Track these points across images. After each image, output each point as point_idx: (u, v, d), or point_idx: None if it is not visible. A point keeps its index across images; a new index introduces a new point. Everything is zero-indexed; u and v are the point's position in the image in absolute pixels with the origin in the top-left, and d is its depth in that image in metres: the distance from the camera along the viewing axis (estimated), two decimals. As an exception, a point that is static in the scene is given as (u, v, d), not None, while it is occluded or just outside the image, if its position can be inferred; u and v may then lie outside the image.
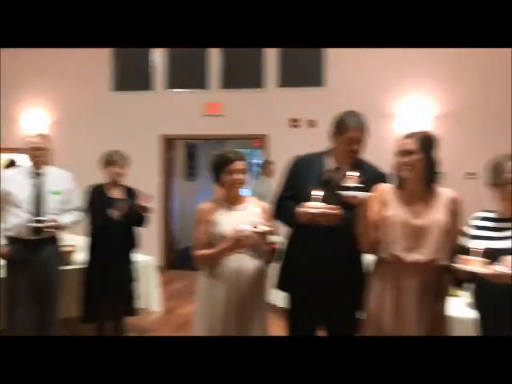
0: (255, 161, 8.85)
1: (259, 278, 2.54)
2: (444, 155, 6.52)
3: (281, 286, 2.63)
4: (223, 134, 7.33)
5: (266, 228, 2.39)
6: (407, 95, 6.60)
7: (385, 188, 2.33)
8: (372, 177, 2.40)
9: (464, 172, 6.33)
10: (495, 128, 6.31)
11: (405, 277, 2.22)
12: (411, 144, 2.23)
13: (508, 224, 2.01)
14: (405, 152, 2.23)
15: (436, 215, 2.22)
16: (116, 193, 3.61)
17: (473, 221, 2.14)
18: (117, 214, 3.42)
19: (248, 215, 2.53)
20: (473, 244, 2.05)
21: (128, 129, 7.19)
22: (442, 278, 2.28)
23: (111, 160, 3.58)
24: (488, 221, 2.11)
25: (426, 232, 2.21)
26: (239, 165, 2.53)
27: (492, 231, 2.07)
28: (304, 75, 6.97)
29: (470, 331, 2.51)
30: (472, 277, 2.02)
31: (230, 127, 7.10)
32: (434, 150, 2.27)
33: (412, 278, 2.21)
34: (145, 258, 4.30)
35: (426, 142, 2.25)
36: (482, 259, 1.88)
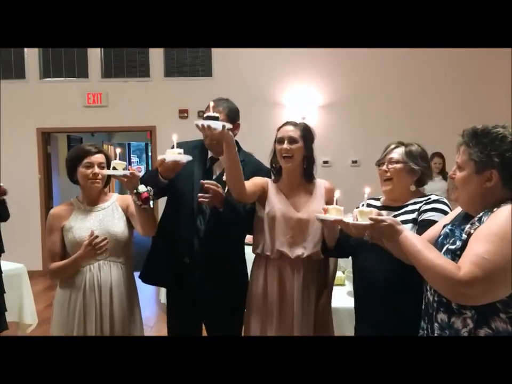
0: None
1: (124, 287, 2.27)
2: (328, 144, 6.81)
3: (145, 278, 2.41)
4: (107, 127, 6.92)
5: (128, 172, 2.02)
6: (294, 85, 6.69)
7: (266, 180, 2.27)
8: (252, 171, 2.30)
9: (349, 160, 6.58)
10: (376, 117, 6.64)
11: (288, 271, 2.17)
12: (293, 132, 2.18)
13: (388, 213, 1.95)
14: (286, 139, 2.17)
15: (316, 207, 2.18)
16: None
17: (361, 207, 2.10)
18: None
19: (109, 214, 2.27)
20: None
21: (3, 122, 6.49)
22: (325, 270, 2.26)
23: None
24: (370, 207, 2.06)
25: (308, 225, 2.17)
26: (95, 158, 2.23)
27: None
28: (191, 65, 6.78)
29: (350, 320, 2.55)
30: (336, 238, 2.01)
31: (115, 119, 6.72)
32: (312, 143, 2.25)
33: (295, 272, 2.17)
34: (15, 266, 3.87)
35: (307, 133, 2.22)
36: (339, 207, 1.75)
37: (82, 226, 2.22)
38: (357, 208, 1.62)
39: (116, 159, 2.10)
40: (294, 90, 6.70)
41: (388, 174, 1.96)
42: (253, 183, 2.17)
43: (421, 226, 1.83)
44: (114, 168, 2.04)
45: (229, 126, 1.92)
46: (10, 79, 6.63)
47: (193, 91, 6.49)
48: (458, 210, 1.62)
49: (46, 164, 6.88)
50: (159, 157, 2.07)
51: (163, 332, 4.32)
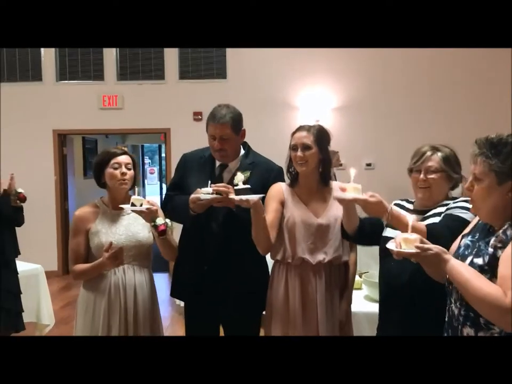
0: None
1: (147, 290, 2.30)
2: (343, 146, 6.79)
3: (174, 293, 2.50)
4: (123, 129, 6.98)
5: (148, 206, 2.10)
6: (308, 88, 6.68)
7: (281, 187, 2.25)
8: (262, 171, 2.31)
9: (363, 163, 6.56)
10: (390, 120, 6.61)
11: (310, 277, 2.16)
12: (306, 138, 2.16)
13: (419, 216, 1.95)
14: (299, 146, 2.16)
15: (335, 212, 2.17)
16: None
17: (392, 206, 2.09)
18: None
19: (134, 220, 2.29)
20: (386, 232, 1.99)
21: (19, 124, 6.58)
22: (346, 273, 2.25)
23: None
24: (403, 209, 2.04)
25: (328, 230, 2.17)
26: (122, 158, 2.26)
27: None
28: (206, 67, 6.81)
29: (368, 324, 2.56)
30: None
31: (130, 121, 6.77)
32: (328, 145, 2.23)
33: (317, 278, 2.16)
34: (32, 267, 3.92)
35: (321, 136, 2.19)
36: (357, 185, 1.74)
37: (109, 231, 2.24)
38: (401, 233, 1.57)
39: (134, 194, 2.22)
40: (308, 93, 6.68)
41: (426, 183, 1.92)
42: (273, 209, 2.16)
43: (445, 217, 1.82)
44: (133, 204, 2.11)
45: (259, 196, 2.02)
46: (27, 81, 6.72)
47: (208, 93, 6.52)
48: (476, 220, 1.60)
49: (61, 165, 6.95)
50: (193, 196, 2.14)
51: (178, 333, 4.35)
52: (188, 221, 2.31)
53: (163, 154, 8.65)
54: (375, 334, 2.46)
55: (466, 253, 1.50)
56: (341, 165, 6.27)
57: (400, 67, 6.57)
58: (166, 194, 2.51)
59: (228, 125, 2.23)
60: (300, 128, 2.22)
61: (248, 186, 2.03)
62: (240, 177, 2.21)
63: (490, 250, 1.41)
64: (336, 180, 2.40)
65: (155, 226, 2.14)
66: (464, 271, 1.40)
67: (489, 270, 1.38)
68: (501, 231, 1.42)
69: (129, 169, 2.27)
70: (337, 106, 6.73)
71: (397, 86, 6.66)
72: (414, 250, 1.45)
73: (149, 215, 2.13)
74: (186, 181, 2.37)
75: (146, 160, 14.48)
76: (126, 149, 2.41)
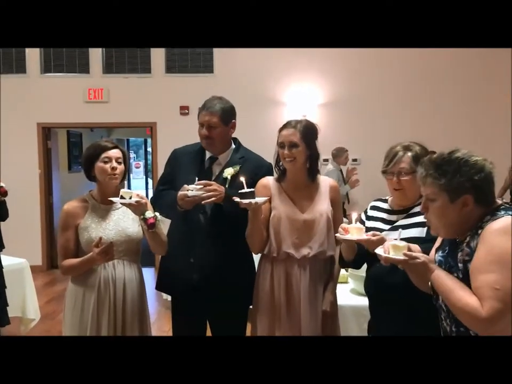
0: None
1: (136, 285, 2.30)
2: (329, 142, 6.82)
3: (159, 287, 2.51)
4: (108, 122, 6.93)
5: (137, 199, 2.10)
6: (295, 83, 6.69)
7: (268, 182, 2.27)
8: (252, 167, 2.34)
9: (349, 159, 6.60)
10: (376, 115, 6.66)
11: (295, 270, 2.18)
12: (293, 136, 2.17)
13: (397, 216, 1.99)
14: (286, 144, 2.17)
15: (320, 207, 2.20)
16: None
17: (368, 210, 2.12)
18: None
19: (123, 215, 2.28)
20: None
21: (2, 117, 6.48)
22: (331, 267, 2.28)
23: None
24: (380, 211, 2.08)
25: (313, 225, 2.18)
26: (112, 153, 2.24)
27: (384, 223, 2.02)
28: (193, 61, 6.78)
29: (354, 317, 2.59)
30: (355, 255, 2.02)
31: (116, 114, 6.72)
32: (315, 140, 2.24)
33: (301, 271, 2.18)
34: (17, 261, 3.89)
35: (308, 133, 2.20)
36: (360, 226, 1.84)
37: (99, 226, 2.22)
38: (391, 240, 1.62)
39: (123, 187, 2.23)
40: (295, 88, 6.70)
41: (400, 185, 1.94)
42: (263, 208, 2.18)
43: None
44: (122, 197, 2.11)
45: (266, 198, 2.11)
46: (11, 74, 6.62)
47: (195, 88, 6.49)
48: None
49: (46, 159, 6.88)
50: (181, 193, 2.17)
51: (165, 328, 4.36)
52: (177, 217, 2.34)
53: (149, 149, 8.57)
54: (361, 328, 2.50)
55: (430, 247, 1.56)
56: (355, 160, 6.31)
57: (388, 63, 6.61)
58: (156, 189, 2.52)
59: (216, 114, 2.30)
60: (287, 125, 2.22)
61: (253, 189, 2.06)
62: (229, 171, 2.24)
63: (460, 265, 1.46)
64: (349, 201, 2.40)
65: (144, 220, 2.14)
66: (447, 280, 1.44)
67: (467, 284, 1.42)
68: (464, 244, 1.46)
69: (119, 163, 2.25)
70: (324, 102, 6.76)
71: (385, 82, 6.71)
72: (402, 257, 1.49)
73: (138, 208, 2.12)
74: (176, 176, 2.39)
75: (132, 155, 14.38)
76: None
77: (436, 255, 1.60)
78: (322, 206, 2.19)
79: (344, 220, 2.19)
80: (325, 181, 2.30)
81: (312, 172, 2.25)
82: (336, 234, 1.91)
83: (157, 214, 2.18)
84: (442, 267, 1.52)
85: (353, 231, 1.81)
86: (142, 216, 2.14)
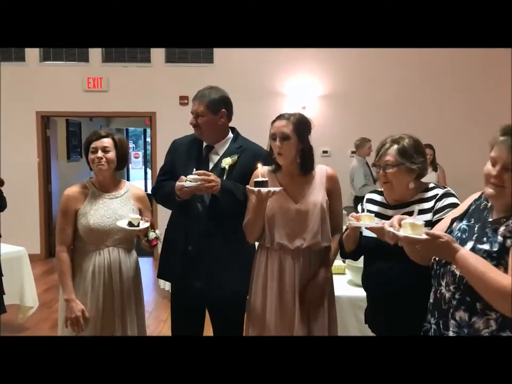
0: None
1: (133, 273, 2.35)
2: (328, 134, 6.82)
3: (160, 275, 2.53)
4: (107, 112, 6.90)
5: (146, 225, 2.20)
6: (295, 75, 6.67)
7: (263, 171, 2.21)
8: (250, 156, 2.33)
9: (348, 151, 6.60)
10: (376, 107, 6.64)
11: (289, 261, 2.18)
12: (285, 127, 2.13)
13: (394, 211, 1.96)
14: (278, 136, 2.13)
15: (315, 198, 2.18)
16: None
17: (365, 203, 2.11)
18: None
19: (122, 204, 2.33)
20: (365, 232, 2.00)
21: (1, 105, 6.44)
22: (325, 260, 2.26)
23: None
24: (376, 205, 2.06)
25: (306, 216, 2.16)
26: (99, 143, 2.30)
27: (380, 217, 1.98)
28: (192, 51, 6.74)
29: (351, 308, 2.60)
30: (357, 247, 2.02)
31: (115, 104, 6.69)
32: (308, 134, 2.19)
33: (295, 262, 2.17)
34: (15, 249, 3.89)
35: (301, 126, 2.15)
36: (371, 214, 1.83)
37: (97, 214, 2.27)
38: (406, 220, 1.52)
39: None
40: (295, 80, 6.67)
41: (386, 178, 1.92)
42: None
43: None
44: (131, 224, 2.18)
45: (280, 188, 2.09)
46: (10, 62, 6.58)
47: (194, 77, 6.45)
48: (467, 205, 1.62)
49: (44, 148, 6.86)
50: (178, 184, 2.20)
51: (162, 317, 4.38)
52: (176, 206, 2.37)
53: (148, 139, 8.55)
54: (357, 318, 2.51)
55: (464, 237, 1.51)
56: (354, 152, 6.24)
57: (388, 56, 6.58)
58: (156, 180, 2.55)
59: (203, 103, 2.33)
60: (280, 117, 2.18)
61: (266, 179, 2.05)
62: (227, 161, 2.25)
63: (500, 238, 1.42)
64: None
65: (148, 241, 2.24)
66: (477, 262, 1.39)
67: (497, 257, 1.39)
68: (510, 221, 1.42)
69: (107, 152, 2.30)
70: (324, 94, 6.74)
71: (384, 74, 6.69)
72: (424, 236, 1.40)
73: (143, 232, 2.22)
74: (176, 166, 2.42)
75: (131, 145, 14.33)
76: (109, 131, 2.44)
77: (457, 224, 1.56)
78: (317, 196, 2.17)
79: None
80: (322, 170, 2.25)
81: (304, 166, 2.19)
82: (349, 222, 1.88)
83: (157, 232, 2.26)
84: (466, 235, 1.50)
85: (365, 219, 1.81)
86: (145, 238, 2.23)
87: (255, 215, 2.14)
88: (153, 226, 2.28)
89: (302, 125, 2.15)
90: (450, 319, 1.50)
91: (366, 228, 1.88)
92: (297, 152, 2.16)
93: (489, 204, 1.53)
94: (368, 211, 2.01)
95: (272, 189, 2.02)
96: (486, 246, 1.44)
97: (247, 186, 2.07)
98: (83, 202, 2.30)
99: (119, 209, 2.31)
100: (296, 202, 2.18)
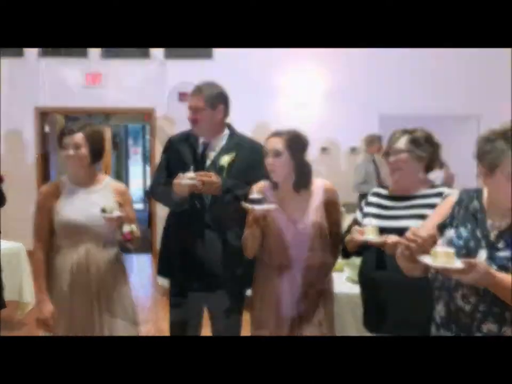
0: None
1: (113, 269, 2.27)
2: (329, 131, 6.81)
3: (160, 272, 2.52)
4: (106, 107, 6.88)
5: (118, 214, 2.13)
6: (295, 70, 6.65)
7: (260, 188, 2.18)
8: (248, 153, 2.33)
9: (348, 147, 6.60)
10: (375, 104, 6.63)
11: (287, 278, 2.15)
12: (277, 144, 2.09)
13: (395, 203, 1.98)
14: (270, 153, 2.10)
15: (313, 217, 2.14)
16: None
17: (369, 196, 2.12)
18: None
19: (102, 197, 2.26)
20: (364, 221, 2.04)
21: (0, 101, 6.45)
22: (326, 275, 2.23)
23: None
24: (379, 197, 2.07)
25: (305, 236, 2.13)
26: (70, 139, 2.20)
27: (382, 208, 2.02)
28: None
29: (349, 305, 2.59)
30: (360, 249, 2.02)
31: (114, 100, 6.67)
32: (303, 151, 2.14)
33: (295, 280, 2.15)
34: (14, 245, 3.89)
35: (295, 142, 2.11)
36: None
37: (73, 209, 2.22)
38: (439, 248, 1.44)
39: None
40: (295, 75, 6.65)
41: (395, 165, 1.94)
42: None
43: None
44: (104, 210, 2.13)
45: (274, 206, 2.06)
46: (8, 57, 6.55)
47: (194, 73, 6.43)
48: (448, 207, 1.56)
49: (43, 143, 6.84)
50: (176, 182, 2.18)
51: (160, 314, 4.38)
52: (174, 206, 2.36)
53: (147, 136, 8.54)
54: (356, 315, 2.51)
55: (471, 245, 1.46)
56: (354, 149, 6.20)
57: (389, 54, 6.55)
58: (153, 178, 2.55)
59: (200, 97, 2.33)
60: (273, 134, 2.15)
61: (261, 196, 2.03)
62: (226, 159, 2.24)
63: None
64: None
65: (121, 234, 2.17)
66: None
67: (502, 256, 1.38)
68: None
69: (78, 148, 2.20)
70: (324, 90, 6.72)
71: (385, 69, 6.67)
72: (460, 266, 1.34)
73: (118, 223, 2.16)
74: (172, 163, 2.40)
75: (130, 141, 14.29)
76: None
77: (452, 229, 1.51)
78: (315, 215, 2.13)
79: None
80: (320, 184, 2.20)
81: (298, 183, 2.13)
82: (352, 235, 1.90)
83: (133, 226, 2.18)
84: (472, 244, 1.46)
85: (369, 232, 1.84)
86: (120, 231, 2.17)
87: (251, 231, 2.11)
88: (132, 221, 2.22)
89: (295, 142, 2.10)
90: (475, 332, 1.45)
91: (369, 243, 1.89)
92: (290, 169, 2.11)
93: (479, 205, 1.51)
94: (371, 203, 2.05)
95: (266, 206, 2.00)
96: (507, 253, 1.40)
97: (242, 202, 2.03)
98: (58, 198, 2.25)
99: (97, 202, 2.22)
100: (292, 220, 2.14)
